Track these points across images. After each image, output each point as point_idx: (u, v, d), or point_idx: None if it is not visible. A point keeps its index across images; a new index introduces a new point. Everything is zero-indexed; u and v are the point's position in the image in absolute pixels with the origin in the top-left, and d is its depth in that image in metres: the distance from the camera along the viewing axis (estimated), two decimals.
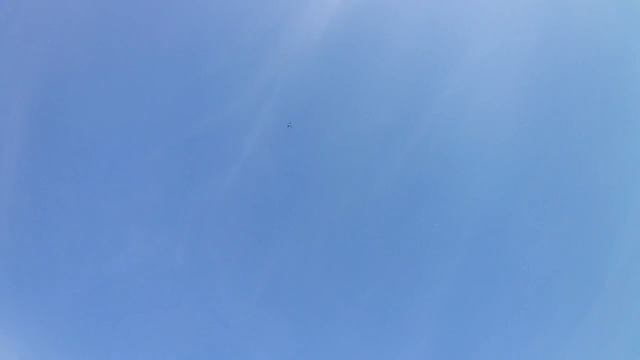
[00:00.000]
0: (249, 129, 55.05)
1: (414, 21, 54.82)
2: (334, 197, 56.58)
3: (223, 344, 55.67)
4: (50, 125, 55.31)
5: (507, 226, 56.47)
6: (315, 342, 55.67)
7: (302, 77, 54.97)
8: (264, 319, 55.65)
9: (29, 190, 55.14)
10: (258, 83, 54.55)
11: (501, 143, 55.57)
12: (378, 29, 55.15)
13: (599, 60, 54.67)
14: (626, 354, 53.36)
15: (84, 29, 54.80)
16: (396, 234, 56.57)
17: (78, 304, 55.64)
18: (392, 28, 54.91)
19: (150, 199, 55.68)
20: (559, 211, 55.83)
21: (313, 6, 53.92)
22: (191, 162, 55.97)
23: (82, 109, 55.14)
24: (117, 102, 55.02)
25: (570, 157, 55.68)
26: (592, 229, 54.93)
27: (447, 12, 55.29)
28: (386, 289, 56.30)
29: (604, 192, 54.97)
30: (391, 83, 55.48)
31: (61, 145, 55.53)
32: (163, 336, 55.94)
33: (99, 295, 55.75)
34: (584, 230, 55.20)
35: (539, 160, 56.02)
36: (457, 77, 55.24)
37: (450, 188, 56.46)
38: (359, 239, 56.64)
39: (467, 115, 55.92)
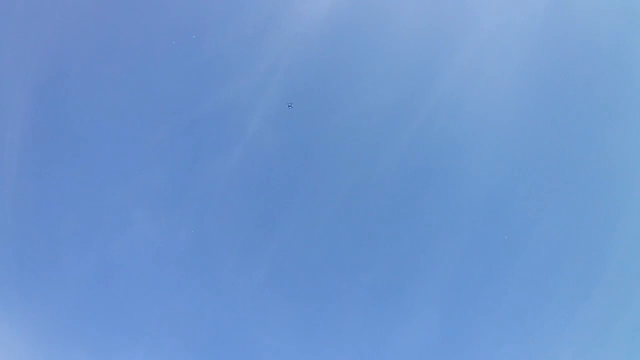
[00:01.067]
0: (252, 110, 54.97)
1: (418, 1, 54.56)
2: (338, 178, 56.66)
3: (227, 325, 56.02)
4: (52, 108, 55.23)
5: (510, 208, 56.49)
6: (320, 323, 56.03)
7: (305, 58, 54.75)
8: (269, 300, 56.01)
9: (32, 175, 55.25)
10: (261, 64, 54.34)
11: (505, 124, 55.49)
12: (381, 9, 54.84)
13: (606, 46, 54.31)
14: (626, 336, 53.62)
15: (86, 10, 54.52)
16: (399, 216, 56.74)
17: (82, 287, 55.91)
18: (395, 8, 54.63)
19: (154, 182, 55.78)
20: (562, 194, 55.85)
21: None
22: (194, 144, 55.95)
23: (84, 91, 55.01)
24: (119, 84, 54.92)
25: (574, 141, 55.51)
26: (596, 209, 54.97)
27: None
28: (390, 270, 56.55)
29: (608, 176, 54.87)
30: (394, 64, 55.29)
31: (63, 129, 55.54)
32: (167, 319, 56.31)
33: (103, 278, 56.08)
34: (587, 211, 55.20)
35: (543, 143, 55.89)
36: (461, 57, 54.99)
37: (454, 170, 56.48)
38: (362, 220, 56.82)
39: (470, 96, 55.75)
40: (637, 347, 52.91)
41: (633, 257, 53.74)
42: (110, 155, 55.78)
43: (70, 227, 56.02)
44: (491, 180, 56.08)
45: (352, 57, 55.48)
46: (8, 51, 53.39)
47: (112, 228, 55.86)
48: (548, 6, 54.42)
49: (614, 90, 54.85)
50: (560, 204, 55.60)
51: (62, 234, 55.97)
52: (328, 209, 56.48)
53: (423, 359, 54.76)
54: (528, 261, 55.47)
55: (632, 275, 53.65)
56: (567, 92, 55.41)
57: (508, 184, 56.15)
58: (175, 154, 55.88)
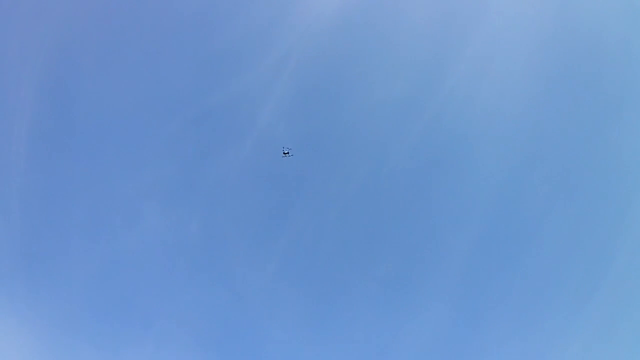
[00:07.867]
0: (263, 103, 55.07)
1: None
2: (348, 172, 56.87)
3: (237, 319, 55.88)
4: (60, 102, 55.03)
5: (519, 204, 56.66)
6: (330, 317, 55.98)
7: (317, 50, 54.95)
8: (279, 294, 55.89)
9: (39, 169, 54.92)
10: (271, 58, 54.40)
11: (513, 119, 55.78)
12: (391, 4, 54.95)
13: (614, 42, 54.55)
14: (631, 334, 53.73)
15: (93, 4, 54.34)
16: (410, 210, 56.91)
17: (90, 281, 55.52)
18: (405, 4, 54.75)
19: (163, 175, 55.67)
20: (570, 190, 56.08)
21: None
22: (204, 137, 56.02)
23: (92, 85, 54.94)
24: (129, 78, 54.87)
25: (583, 137, 55.79)
26: (604, 204, 55.23)
27: None
28: (400, 264, 56.65)
29: (617, 172, 55.16)
30: (404, 58, 55.51)
31: (71, 123, 55.34)
32: (177, 312, 55.96)
33: (112, 272, 55.74)
34: (595, 205, 55.45)
35: (552, 138, 56.20)
36: (470, 52, 55.26)
37: (463, 164, 56.73)
38: (373, 214, 56.95)
39: (479, 91, 56.03)
40: None
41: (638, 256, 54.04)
42: (120, 148, 55.68)
43: (79, 221, 55.74)
44: (500, 175, 56.33)
45: (362, 51, 55.68)
46: (15, 48, 53.14)
47: (121, 222, 55.64)
48: (556, 2, 54.65)
49: (623, 87, 55.13)
50: (568, 200, 55.83)
51: (71, 228, 55.66)
52: (338, 203, 56.70)
53: (432, 352, 54.82)
54: (536, 256, 55.65)
55: (638, 274, 53.94)
56: (575, 88, 55.66)
57: (517, 178, 56.42)
58: (185, 147, 55.91)
